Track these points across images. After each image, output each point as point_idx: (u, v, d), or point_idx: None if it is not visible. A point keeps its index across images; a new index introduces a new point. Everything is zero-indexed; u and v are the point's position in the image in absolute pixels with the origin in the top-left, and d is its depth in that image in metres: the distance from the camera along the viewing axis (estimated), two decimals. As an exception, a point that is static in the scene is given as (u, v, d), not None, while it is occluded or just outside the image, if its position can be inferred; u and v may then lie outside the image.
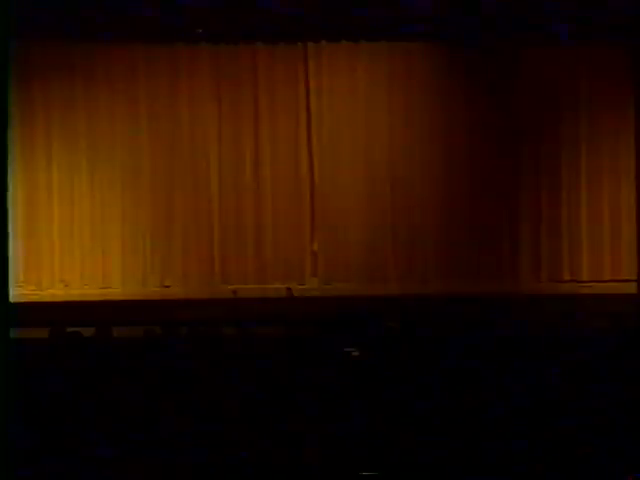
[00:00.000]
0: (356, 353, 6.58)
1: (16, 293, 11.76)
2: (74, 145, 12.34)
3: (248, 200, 12.52)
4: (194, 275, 12.32)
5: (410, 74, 12.56)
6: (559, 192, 12.56)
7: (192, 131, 12.46)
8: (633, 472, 4.25)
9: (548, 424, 4.81)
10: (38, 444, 4.64)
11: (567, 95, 12.54)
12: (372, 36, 12.33)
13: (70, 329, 7.33)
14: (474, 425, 4.82)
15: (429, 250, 12.45)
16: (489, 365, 6.07)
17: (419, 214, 12.51)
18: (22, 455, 4.43)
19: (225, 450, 4.55)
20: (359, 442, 4.60)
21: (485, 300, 11.09)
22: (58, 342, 6.95)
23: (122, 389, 5.54)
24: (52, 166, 12.34)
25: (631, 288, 12.04)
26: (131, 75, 12.37)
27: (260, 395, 5.40)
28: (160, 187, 12.40)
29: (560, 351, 6.57)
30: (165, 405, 5.24)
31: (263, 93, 12.55)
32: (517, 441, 4.59)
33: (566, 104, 12.53)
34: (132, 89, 12.37)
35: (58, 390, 5.60)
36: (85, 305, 11.26)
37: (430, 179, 12.53)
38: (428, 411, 5.05)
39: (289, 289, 11.13)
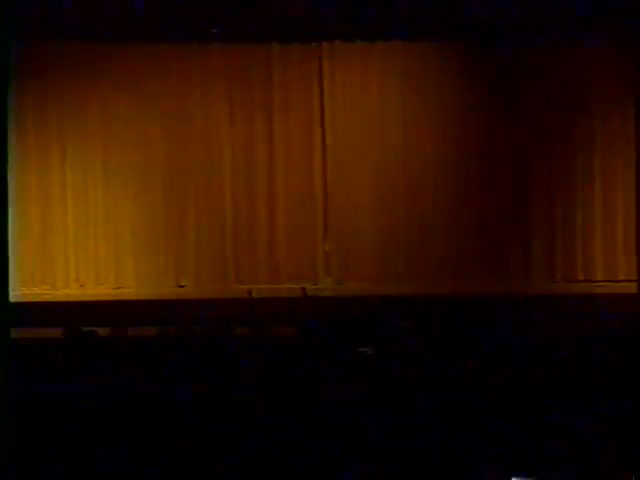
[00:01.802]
0: (370, 352, 6.59)
1: (31, 293, 11.86)
2: (88, 145, 12.38)
3: (261, 200, 12.54)
4: (208, 275, 12.35)
5: (423, 74, 12.56)
6: (573, 192, 12.54)
7: (205, 131, 12.48)
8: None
9: (565, 422, 4.81)
10: (54, 441, 4.66)
11: (581, 95, 12.51)
12: (386, 36, 12.34)
13: (85, 328, 7.35)
14: (493, 424, 4.82)
15: (442, 250, 12.44)
16: (503, 365, 6.07)
17: (432, 214, 12.51)
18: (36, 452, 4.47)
19: (239, 449, 4.56)
20: (376, 440, 4.61)
21: (498, 300, 11.09)
22: (73, 341, 6.98)
23: (137, 388, 5.56)
24: (66, 166, 12.38)
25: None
26: (145, 75, 12.40)
27: (274, 395, 5.41)
28: (173, 187, 12.43)
29: (575, 351, 6.57)
30: (179, 404, 5.25)
31: (277, 93, 12.57)
32: (533, 438, 4.59)
33: (580, 104, 12.50)
34: (145, 89, 12.41)
35: (73, 390, 5.63)
36: (100, 305, 11.28)
37: (443, 179, 12.53)
38: (442, 410, 5.05)
39: (303, 289, 11.14)
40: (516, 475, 4.13)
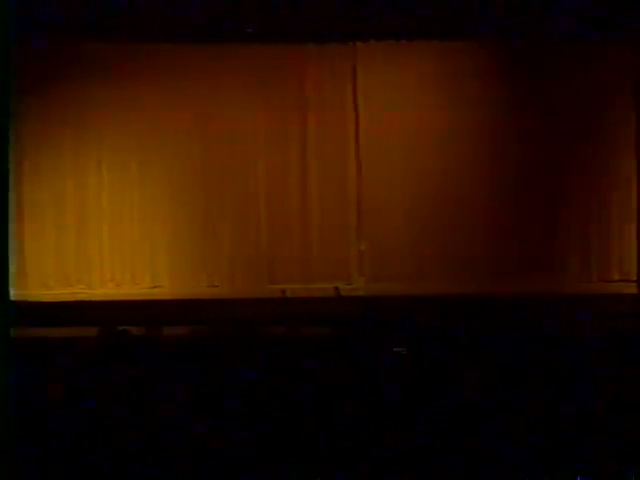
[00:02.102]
0: (404, 352, 6.58)
1: (67, 292, 11.97)
2: (124, 146, 12.45)
3: (295, 200, 12.56)
4: (242, 275, 12.39)
5: (459, 73, 12.50)
6: (609, 192, 12.45)
7: (239, 130, 12.51)
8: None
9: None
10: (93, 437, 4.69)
11: (616, 94, 12.41)
12: (420, 35, 12.30)
13: (120, 327, 7.40)
14: (521, 423, 4.80)
15: (477, 249, 12.39)
16: (538, 364, 6.04)
17: (466, 214, 12.46)
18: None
19: (269, 447, 4.57)
20: (409, 439, 4.61)
21: (534, 299, 11.05)
22: (108, 340, 7.03)
23: (171, 387, 5.59)
24: (102, 167, 12.47)
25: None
26: (180, 75, 12.43)
27: (307, 395, 5.42)
28: (208, 187, 12.48)
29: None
30: (212, 402, 5.28)
31: (311, 93, 12.58)
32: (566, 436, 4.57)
33: (616, 103, 12.41)
34: (180, 89, 12.44)
35: (108, 387, 5.67)
36: (134, 304, 11.34)
37: (478, 179, 12.48)
38: (475, 410, 5.04)
39: (336, 289, 11.15)
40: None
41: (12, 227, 12.17)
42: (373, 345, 6.87)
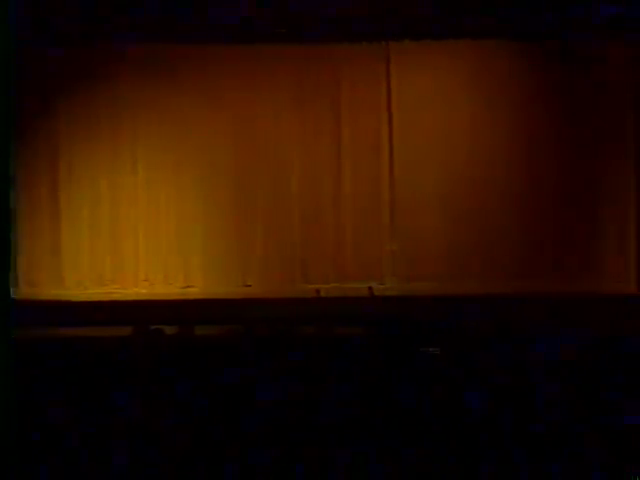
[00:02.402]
0: (437, 352, 6.57)
1: (102, 292, 12.05)
2: (159, 146, 12.51)
3: (328, 199, 12.56)
4: (275, 274, 12.41)
5: (493, 73, 12.45)
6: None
7: (273, 131, 12.53)
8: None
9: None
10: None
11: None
12: (454, 34, 12.26)
13: (153, 327, 7.44)
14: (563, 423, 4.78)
15: (510, 249, 12.34)
16: (576, 364, 6.01)
17: (499, 214, 12.40)
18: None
19: (303, 447, 4.58)
20: (441, 439, 4.60)
21: (569, 300, 11.00)
22: (142, 339, 7.07)
23: (203, 386, 5.61)
24: (137, 167, 12.54)
25: None
26: (214, 76, 12.49)
27: (341, 394, 5.42)
28: (242, 187, 12.51)
29: None
30: (246, 402, 5.29)
31: (344, 93, 12.58)
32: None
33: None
34: (215, 89, 12.50)
35: (140, 386, 5.70)
36: (168, 304, 11.40)
37: (512, 179, 12.42)
38: (510, 410, 5.02)
39: (370, 288, 11.15)
40: None
41: (48, 227, 12.28)
42: (406, 345, 6.86)
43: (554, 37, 12.13)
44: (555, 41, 12.19)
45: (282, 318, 8.58)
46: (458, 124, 12.48)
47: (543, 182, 12.37)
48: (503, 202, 12.40)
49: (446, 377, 5.85)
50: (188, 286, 12.38)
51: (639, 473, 4.20)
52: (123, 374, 5.94)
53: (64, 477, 4.33)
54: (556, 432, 4.68)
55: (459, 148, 12.45)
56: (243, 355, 6.59)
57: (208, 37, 12.16)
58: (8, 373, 4.02)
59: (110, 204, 12.44)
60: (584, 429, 4.70)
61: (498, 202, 12.40)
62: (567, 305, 10.72)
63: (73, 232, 12.36)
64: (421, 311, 9.65)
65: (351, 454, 4.51)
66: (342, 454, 4.51)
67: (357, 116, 12.58)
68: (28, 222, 12.24)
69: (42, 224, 12.32)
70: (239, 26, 11.95)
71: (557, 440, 4.59)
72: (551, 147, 12.35)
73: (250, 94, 12.52)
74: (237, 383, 5.71)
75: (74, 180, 12.41)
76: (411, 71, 12.55)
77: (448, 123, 12.47)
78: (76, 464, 4.39)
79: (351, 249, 12.50)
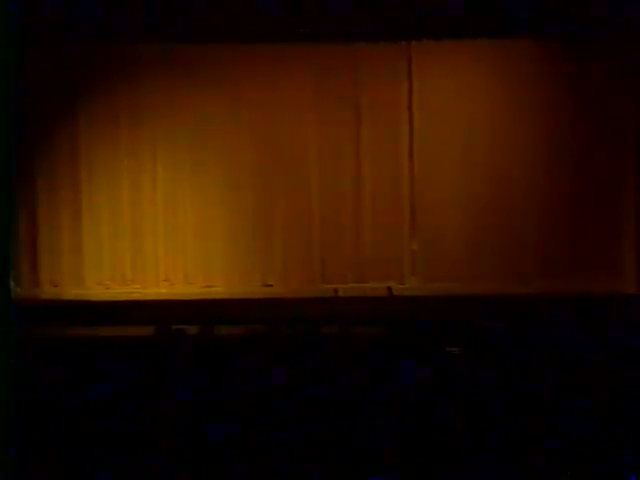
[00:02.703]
0: (457, 352, 6.56)
1: (123, 292, 12.11)
2: (178, 146, 12.55)
3: (348, 199, 12.57)
4: (295, 274, 12.42)
5: (514, 73, 12.41)
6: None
7: (293, 130, 12.54)
8: None
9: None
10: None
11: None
12: (475, 34, 12.23)
13: (175, 327, 7.47)
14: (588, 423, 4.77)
15: (530, 249, 12.31)
16: (598, 365, 5.99)
17: (521, 214, 12.37)
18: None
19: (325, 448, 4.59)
20: (460, 439, 4.60)
21: (590, 300, 10.96)
22: (164, 339, 7.10)
23: (227, 386, 5.63)
24: (157, 167, 12.58)
25: None
26: (233, 75, 12.50)
27: (360, 393, 5.43)
28: (261, 187, 12.53)
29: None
30: (266, 401, 5.31)
31: (365, 92, 12.57)
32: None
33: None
34: (234, 89, 12.52)
35: (161, 386, 5.72)
36: (188, 304, 11.43)
37: (532, 179, 12.37)
38: (530, 411, 5.01)
39: (389, 288, 11.13)
40: None
41: (69, 227, 12.34)
42: (426, 345, 6.86)
43: (577, 37, 12.07)
44: (578, 41, 12.13)
45: (302, 318, 8.60)
46: (479, 124, 12.45)
47: (563, 182, 12.32)
48: (524, 202, 12.35)
49: (467, 377, 5.85)
50: (208, 286, 12.41)
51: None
52: (148, 374, 5.98)
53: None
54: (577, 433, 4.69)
55: (480, 148, 12.42)
56: (263, 354, 6.61)
57: (228, 37, 12.17)
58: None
59: (130, 204, 12.48)
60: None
61: (519, 202, 12.37)
62: (588, 305, 10.68)
63: (94, 232, 12.41)
64: (441, 311, 9.64)
65: (373, 453, 4.52)
66: (364, 454, 4.53)
67: (377, 116, 12.57)
68: (49, 222, 12.31)
69: (63, 224, 12.38)
70: (259, 26, 11.97)
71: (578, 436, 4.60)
72: (572, 147, 12.30)
73: (270, 94, 12.53)
74: (256, 382, 5.74)
75: (94, 180, 12.46)
76: (432, 71, 12.52)
77: (469, 123, 12.45)
78: (102, 461, 4.43)
79: (370, 249, 12.50)
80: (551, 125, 12.36)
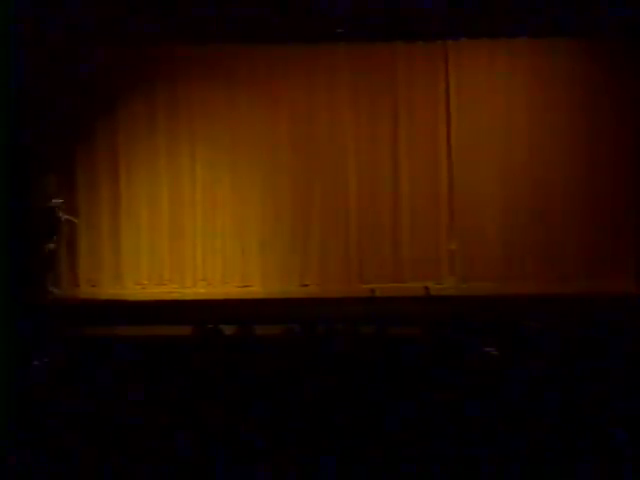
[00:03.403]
0: (495, 353, 6.53)
1: (161, 292, 12.18)
2: (217, 145, 12.60)
3: (386, 199, 12.55)
4: (332, 274, 12.43)
5: (551, 71, 12.34)
6: None
7: (330, 131, 12.56)
8: None
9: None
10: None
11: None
12: (512, 32, 12.16)
13: (212, 326, 7.49)
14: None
15: (568, 249, 12.24)
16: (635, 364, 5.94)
17: (558, 214, 12.31)
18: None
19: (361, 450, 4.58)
20: (498, 440, 4.58)
21: (629, 300, 10.88)
22: (202, 339, 7.13)
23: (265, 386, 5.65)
24: (195, 166, 12.63)
25: None
26: (271, 75, 12.55)
27: (398, 393, 5.42)
28: (299, 187, 12.55)
29: None
30: (305, 401, 5.31)
31: (402, 92, 12.56)
32: None
33: None
34: (272, 89, 12.56)
35: (200, 386, 5.75)
36: (226, 303, 11.46)
37: (570, 179, 12.31)
38: (571, 410, 4.98)
39: (426, 288, 11.10)
40: None
41: (108, 227, 12.43)
42: (463, 345, 6.83)
43: (615, 35, 11.95)
44: (616, 39, 12.02)
45: (339, 317, 8.59)
46: (517, 123, 12.40)
47: (602, 182, 12.24)
48: (562, 202, 12.29)
49: (503, 378, 5.82)
50: (246, 286, 12.45)
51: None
52: (186, 373, 6.00)
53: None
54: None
55: (518, 148, 12.37)
56: (300, 353, 6.62)
57: (266, 37, 12.21)
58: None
59: (169, 204, 12.55)
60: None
61: (558, 201, 12.31)
62: (626, 304, 10.59)
63: (132, 232, 12.49)
64: (478, 311, 9.60)
65: (412, 453, 4.52)
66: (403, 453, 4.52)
67: (414, 115, 12.55)
68: (88, 222, 12.41)
69: (102, 224, 12.48)
70: (296, 26, 11.99)
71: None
72: (611, 147, 12.21)
73: (307, 94, 12.56)
74: (293, 382, 5.74)
75: (133, 180, 12.54)
76: (469, 70, 12.49)
77: (507, 122, 12.40)
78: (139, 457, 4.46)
79: (408, 249, 12.47)
80: (590, 125, 12.27)
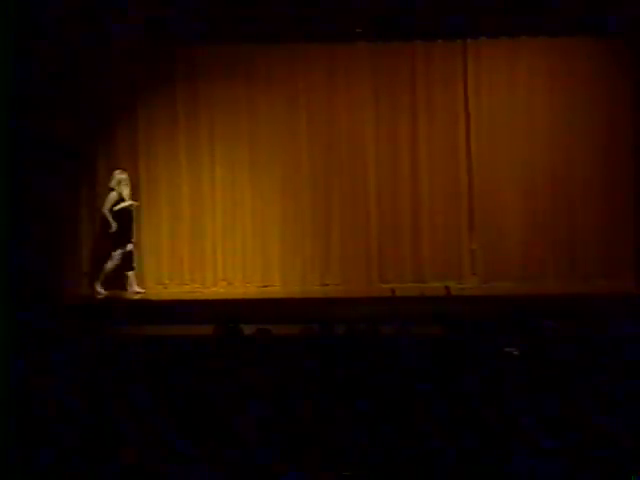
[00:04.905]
0: (516, 353, 6.51)
1: (182, 291, 12.21)
2: (237, 145, 12.61)
3: (406, 199, 12.52)
4: (352, 274, 12.41)
5: (571, 71, 12.28)
6: None
7: (350, 130, 12.54)
8: None
9: None
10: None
11: None
12: (532, 32, 12.11)
13: (232, 325, 7.50)
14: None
15: (589, 249, 12.19)
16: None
17: (580, 213, 12.26)
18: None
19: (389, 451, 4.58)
20: (517, 440, 4.57)
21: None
22: (222, 338, 7.14)
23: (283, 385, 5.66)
24: (215, 166, 12.65)
25: None
26: (290, 75, 12.55)
27: (418, 394, 5.42)
28: (319, 187, 12.55)
29: None
30: (325, 402, 5.31)
31: (421, 92, 12.52)
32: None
33: None
34: (291, 89, 12.56)
35: (220, 385, 5.76)
36: (246, 303, 11.47)
37: (591, 179, 12.25)
38: (591, 411, 4.96)
39: (447, 288, 11.07)
40: None
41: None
42: (484, 345, 6.82)
43: (636, 35, 11.88)
44: (637, 39, 11.95)
45: (360, 317, 8.59)
46: (537, 123, 12.35)
47: (623, 182, 12.18)
48: (583, 202, 12.25)
49: (525, 378, 5.81)
50: (266, 285, 12.46)
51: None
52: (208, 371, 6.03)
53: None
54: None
55: (538, 147, 12.31)
56: (320, 354, 6.62)
57: (283, 36, 12.22)
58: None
59: (189, 203, 12.56)
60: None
61: (579, 201, 12.26)
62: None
63: (153, 231, 12.51)
64: (500, 311, 9.56)
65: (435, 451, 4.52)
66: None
67: (434, 115, 12.52)
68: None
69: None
70: (315, 25, 11.99)
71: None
72: (630, 146, 12.15)
73: (326, 93, 12.56)
74: (313, 381, 5.75)
75: (153, 179, 12.56)
76: (488, 70, 12.45)
77: (527, 122, 12.35)
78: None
79: (429, 248, 12.44)
80: (610, 124, 12.21)
